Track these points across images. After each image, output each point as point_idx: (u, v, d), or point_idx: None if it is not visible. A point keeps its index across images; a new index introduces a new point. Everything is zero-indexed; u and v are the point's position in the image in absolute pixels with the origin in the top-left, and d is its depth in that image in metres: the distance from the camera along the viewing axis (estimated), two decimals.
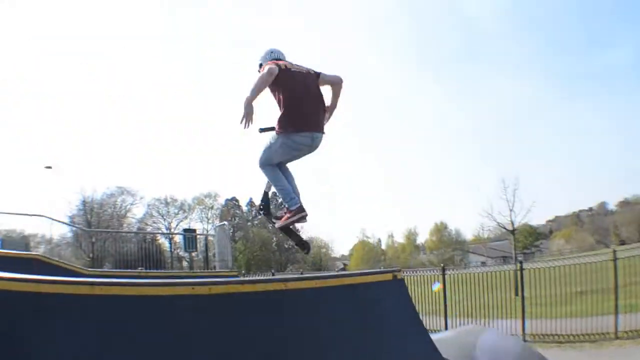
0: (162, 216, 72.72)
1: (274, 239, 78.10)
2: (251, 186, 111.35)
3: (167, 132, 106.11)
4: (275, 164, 5.91)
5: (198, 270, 27.27)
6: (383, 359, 4.40)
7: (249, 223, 78.20)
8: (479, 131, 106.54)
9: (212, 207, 76.50)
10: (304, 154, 5.92)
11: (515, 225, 40.49)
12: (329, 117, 6.09)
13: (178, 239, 65.32)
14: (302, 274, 28.67)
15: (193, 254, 57.68)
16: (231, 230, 19.23)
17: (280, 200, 6.12)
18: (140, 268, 19.10)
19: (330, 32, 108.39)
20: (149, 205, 72.07)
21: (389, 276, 5.01)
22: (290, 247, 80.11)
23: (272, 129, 5.74)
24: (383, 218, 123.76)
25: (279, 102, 5.66)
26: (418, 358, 4.73)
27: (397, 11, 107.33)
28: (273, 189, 6.32)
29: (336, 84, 6.07)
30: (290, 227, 6.10)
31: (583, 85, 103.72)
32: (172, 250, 64.08)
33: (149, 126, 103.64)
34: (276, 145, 5.70)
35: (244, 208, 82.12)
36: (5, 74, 77.27)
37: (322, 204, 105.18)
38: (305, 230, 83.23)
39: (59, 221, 23.31)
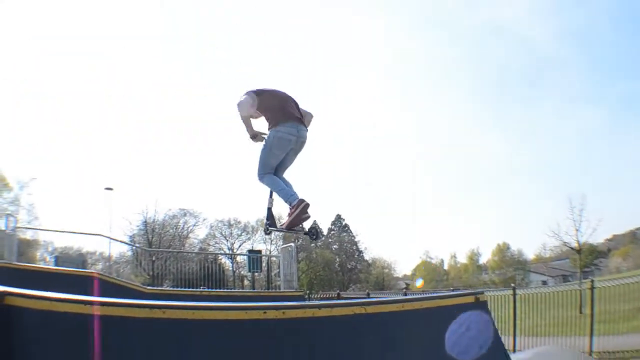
0: (225, 237, 73.08)
1: (337, 259, 77.77)
2: (315, 208, 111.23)
3: (231, 154, 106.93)
4: (272, 172, 6.53)
5: (263, 291, 26.86)
6: None
7: (312, 244, 78.09)
8: (540, 153, 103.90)
9: None
10: (293, 148, 6.48)
11: (581, 244, 40.19)
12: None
13: (240, 258, 65.83)
14: (368, 294, 28.02)
15: (256, 274, 57.95)
16: (294, 252, 19.02)
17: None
18: (202, 287, 19.10)
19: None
20: (211, 227, 72.62)
21: (470, 299, 4.63)
22: (352, 267, 79.81)
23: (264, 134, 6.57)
24: (446, 239, 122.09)
25: (268, 114, 6.53)
26: None
27: (454, 40, 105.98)
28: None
29: (308, 115, 6.98)
30: (297, 225, 6.42)
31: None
32: (235, 270, 64.40)
33: (212, 148, 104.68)
34: (269, 142, 6.37)
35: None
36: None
37: (386, 225, 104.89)
38: (369, 249, 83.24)
39: (117, 240, 23.45)
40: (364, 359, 3.57)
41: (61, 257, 20.05)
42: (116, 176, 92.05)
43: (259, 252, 44.51)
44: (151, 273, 25.10)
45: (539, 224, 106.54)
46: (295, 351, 3.37)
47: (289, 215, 6.20)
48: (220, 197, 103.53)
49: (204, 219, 70.95)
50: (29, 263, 18.05)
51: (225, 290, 27.43)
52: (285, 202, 6.28)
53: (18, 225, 18.52)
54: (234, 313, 3.20)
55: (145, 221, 64.36)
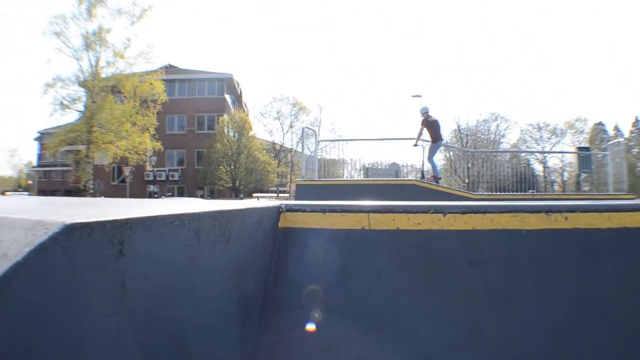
0: (536, 141, 71.67)
1: (638, 165, 72.98)
2: (619, 110, 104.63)
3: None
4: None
5: (590, 194, 24.28)
6: None
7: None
8: None
9: (582, 132, 74.06)
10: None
11: None
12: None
13: (551, 162, 65.82)
14: None
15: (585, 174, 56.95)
16: (623, 149, 18.23)
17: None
18: (531, 191, 19.42)
19: None
20: (522, 131, 71.91)
21: None
22: None
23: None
24: None
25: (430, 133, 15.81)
26: None
27: None
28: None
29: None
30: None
31: None
32: (546, 174, 64.48)
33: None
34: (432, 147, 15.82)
35: (610, 133, 77.91)
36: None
37: None
38: None
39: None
40: None
41: (371, 169, 19.35)
42: (424, 84, 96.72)
43: (588, 149, 41.91)
44: (467, 180, 26.60)
45: None
46: None
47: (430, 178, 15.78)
48: (529, 101, 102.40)
49: (515, 122, 70.59)
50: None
51: (545, 194, 26.37)
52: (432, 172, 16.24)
53: (320, 142, 18.34)
54: None
55: (458, 126, 66.69)
